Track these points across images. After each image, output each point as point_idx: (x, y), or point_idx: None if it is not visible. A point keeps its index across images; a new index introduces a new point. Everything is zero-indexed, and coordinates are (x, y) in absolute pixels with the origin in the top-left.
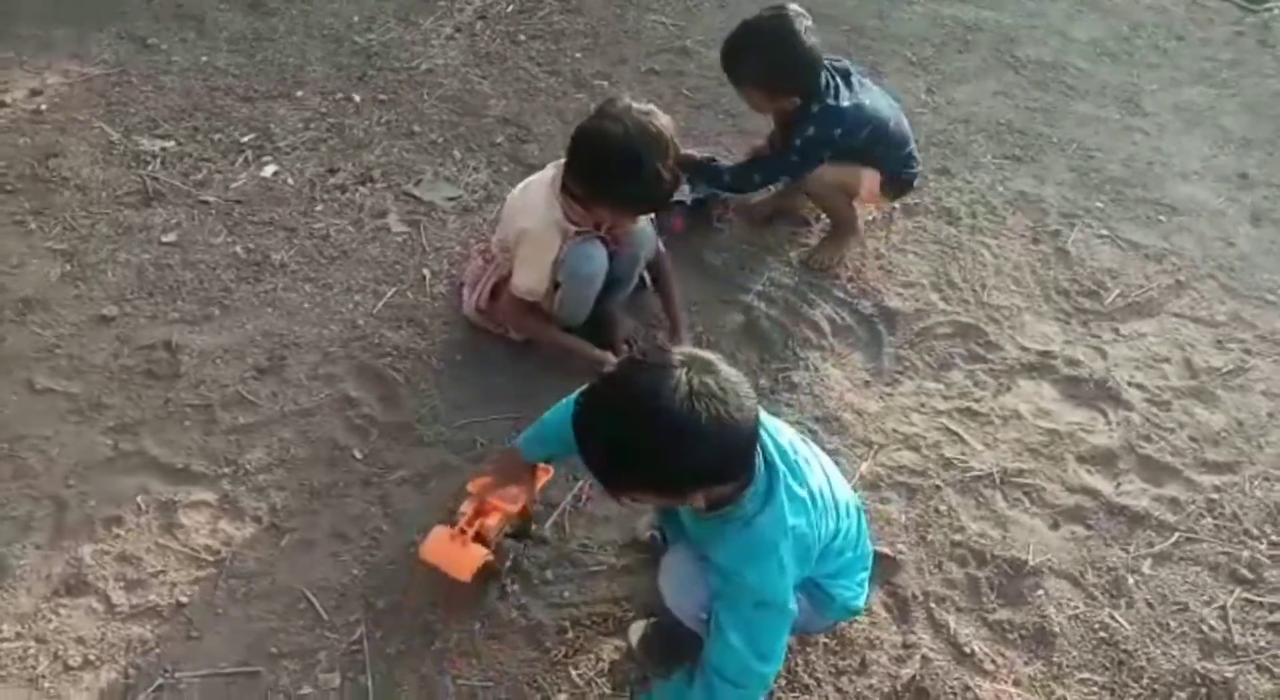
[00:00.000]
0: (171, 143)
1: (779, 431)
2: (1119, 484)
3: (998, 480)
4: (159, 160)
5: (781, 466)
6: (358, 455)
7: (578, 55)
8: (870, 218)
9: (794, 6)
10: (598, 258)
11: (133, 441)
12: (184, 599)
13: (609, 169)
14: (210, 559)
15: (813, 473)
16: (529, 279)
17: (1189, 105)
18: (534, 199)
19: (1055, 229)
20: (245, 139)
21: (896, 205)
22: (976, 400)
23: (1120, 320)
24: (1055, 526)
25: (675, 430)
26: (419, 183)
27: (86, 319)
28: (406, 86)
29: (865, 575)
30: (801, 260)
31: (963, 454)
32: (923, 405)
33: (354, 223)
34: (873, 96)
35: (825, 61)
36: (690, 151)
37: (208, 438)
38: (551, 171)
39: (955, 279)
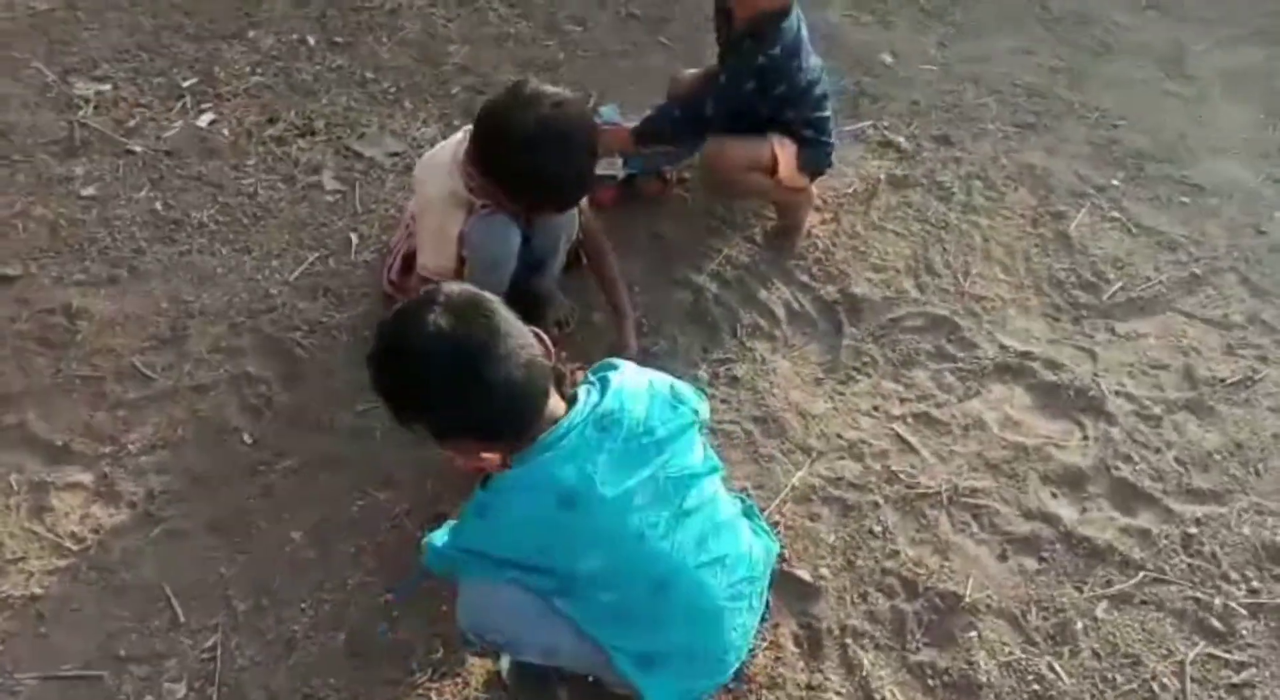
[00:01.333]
0: (109, 86)
1: (651, 423)
2: (1085, 510)
3: (945, 499)
4: (92, 105)
5: (577, 453)
6: (247, 439)
7: None
8: (849, 189)
9: None
10: (503, 235)
11: (15, 414)
12: (39, 591)
13: (508, 162)
14: (75, 548)
15: (631, 486)
16: (432, 255)
17: (1239, 69)
18: (438, 165)
19: (1060, 210)
20: (187, 83)
21: (881, 177)
22: (938, 405)
23: (1118, 318)
24: (1003, 557)
25: (413, 377)
26: (362, 136)
27: None
28: (365, 29)
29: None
30: (766, 237)
31: (911, 467)
32: (876, 408)
33: (285, 179)
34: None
35: None
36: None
37: (94, 413)
38: (461, 135)
39: (936, 264)
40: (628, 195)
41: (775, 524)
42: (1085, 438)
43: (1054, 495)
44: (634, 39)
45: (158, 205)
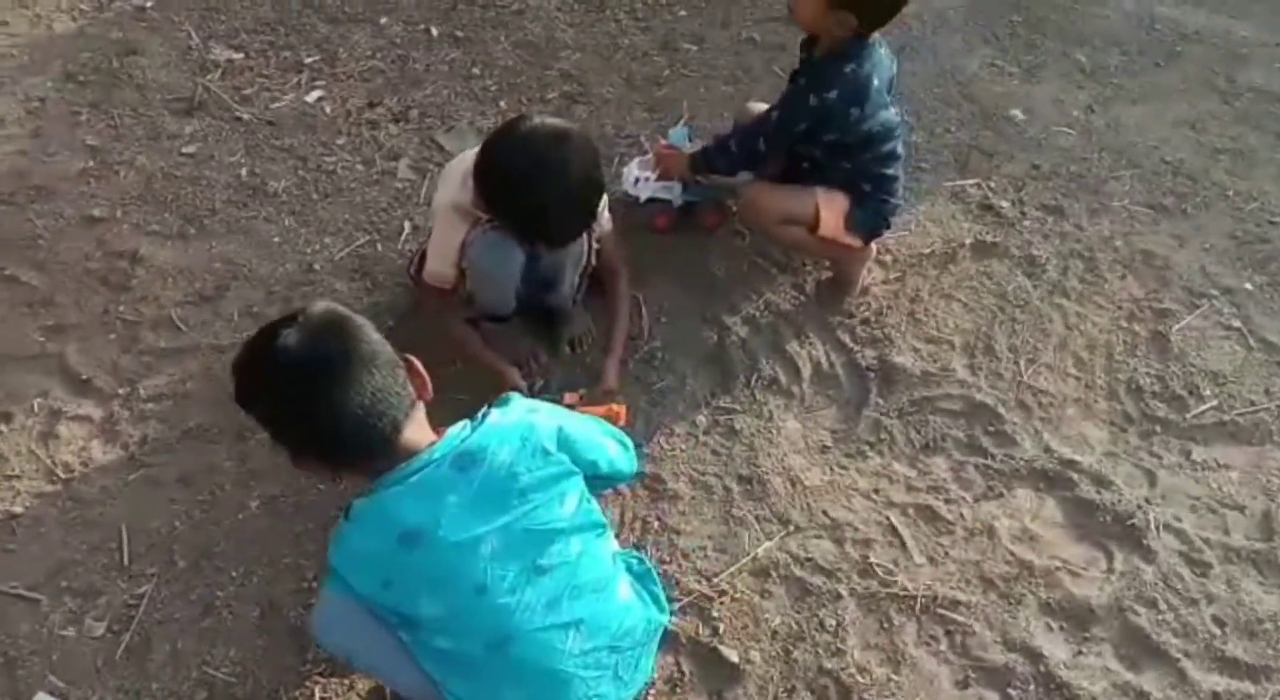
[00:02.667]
0: (241, 55)
1: (516, 469)
2: (1080, 652)
3: (920, 606)
4: (220, 71)
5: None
6: None
7: (681, 13)
8: (927, 249)
9: None
10: (502, 253)
11: (59, 343)
12: (19, 509)
13: (500, 200)
14: (63, 476)
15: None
16: (434, 261)
17: None
18: (454, 173)
19: (1167, 308)
20: (309, 60)
21: (968, 241)
22: (948, 501)
23: (1199, 442)
24: (964, 685)
25: (257, 392)
26: (450, 130)
27: (79, 217)
28: (488, 25)
29: None
30: (817, 286)
31: (893, 563)
32: (876, 491)
33: (365, 161)
34: (892, 93)
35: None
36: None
37: (123, 355)
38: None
39: (998, 345)
40: (684, 223)
41: (721, 593)
42: (1109, 570)
43: (1049, 628)
44: (746, 64)
45: (243, 171)
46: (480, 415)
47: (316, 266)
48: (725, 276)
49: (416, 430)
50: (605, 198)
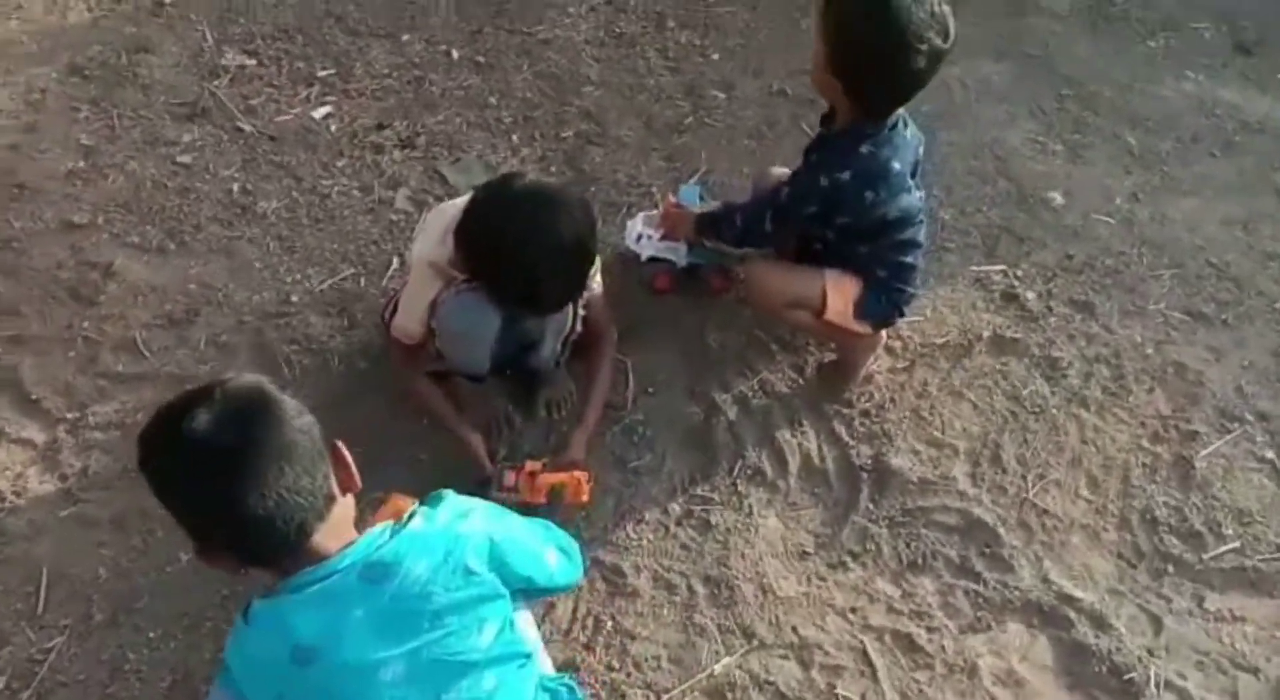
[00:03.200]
0: (254, 62)
1: (431, 588)
2: None
3: None
4: (230, 77)
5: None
6: None
7: (715, 57)
8: (942, 339)
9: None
10: (475, 316)
11: (16, 355)
12: None
13: (482, 264)
14: None
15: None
16: (403, 316)
17: None
18: (435, 226)
19: (1195, 430)
20: (323, 73)
21: (986, 334)
22: (930, 629)
23: (1216, 587)
24: None
25: (156, 472)
26: (457, 161)
27: (58, 222)
28: (511, 53)
29: None
30: (817, 370)
31: (862, 698)
32: (854, 610)
33: (363, 188)
34: (915, 176)
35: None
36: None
37: (78, 376)
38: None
39: (1006, 455)
40: (687, 285)
41: None
42: None
43: None
44: (773, 118)
45: (235, 187)
46: (406, 517)
47: (294, 297)
48: (721, 349)
49: (330, 532)
50: (597, 260)
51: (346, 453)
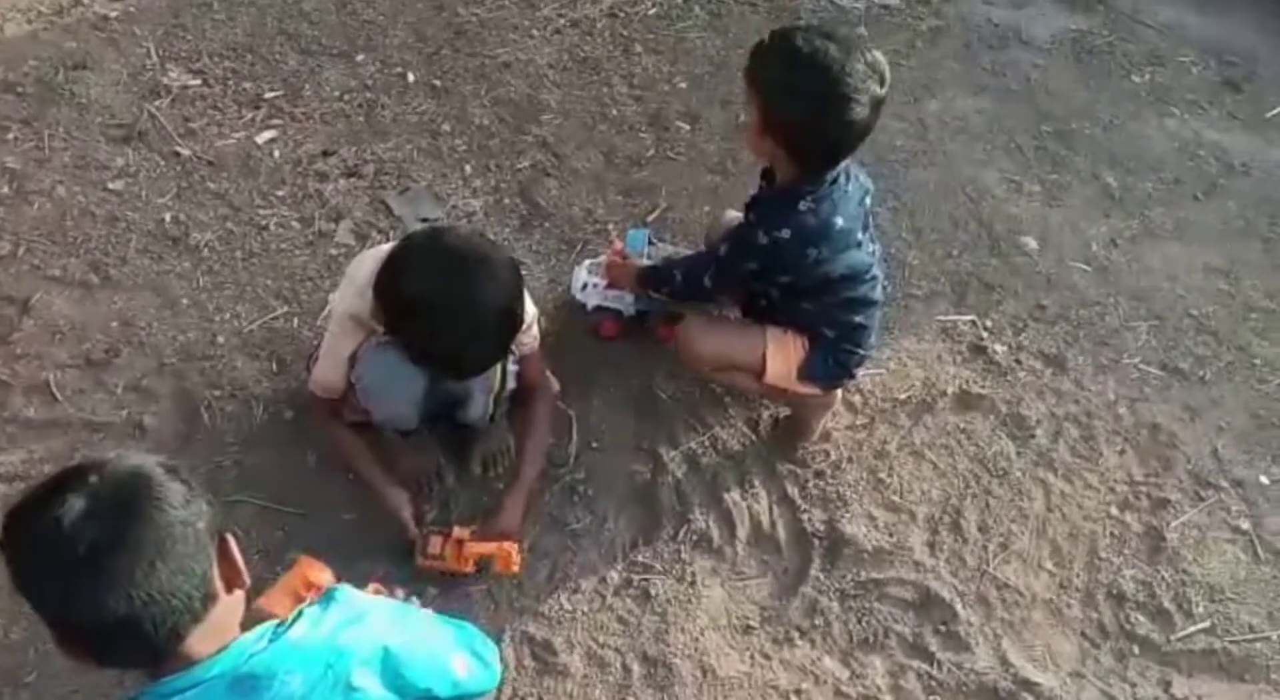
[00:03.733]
0: (198, 81)
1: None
2: None
3: None
4: (171, 97)
5: None
6: None
7: (682, 85)
8: (904, 394)
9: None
10: (394, 371)
11: None
12: None
13: (396, 320)
14: None
15: None
16: (322, 370)
17: None
18: (359, 274)
19: (1167, 497)
20: (270, 95)
21: (950, 390)
22: None
23: (1183, 671)
24: None
25: (16, 563)
26: (405, 191)
27: None
28: (469, 77)
29: None
30: (772, 426)
31: None
32: (798, 692)
33: (304, 220)
34: (864, 229)
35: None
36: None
37: None
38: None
39: (967, 523)
40: (636, 332)
41: None
42: None
43: None
44: (737, 153)
45: (167, 216)
46: (290, 619)
47: (220, 339)
48: (672, 400)
49: (206, 634)
50: (533, 312)
51: (235, 546)
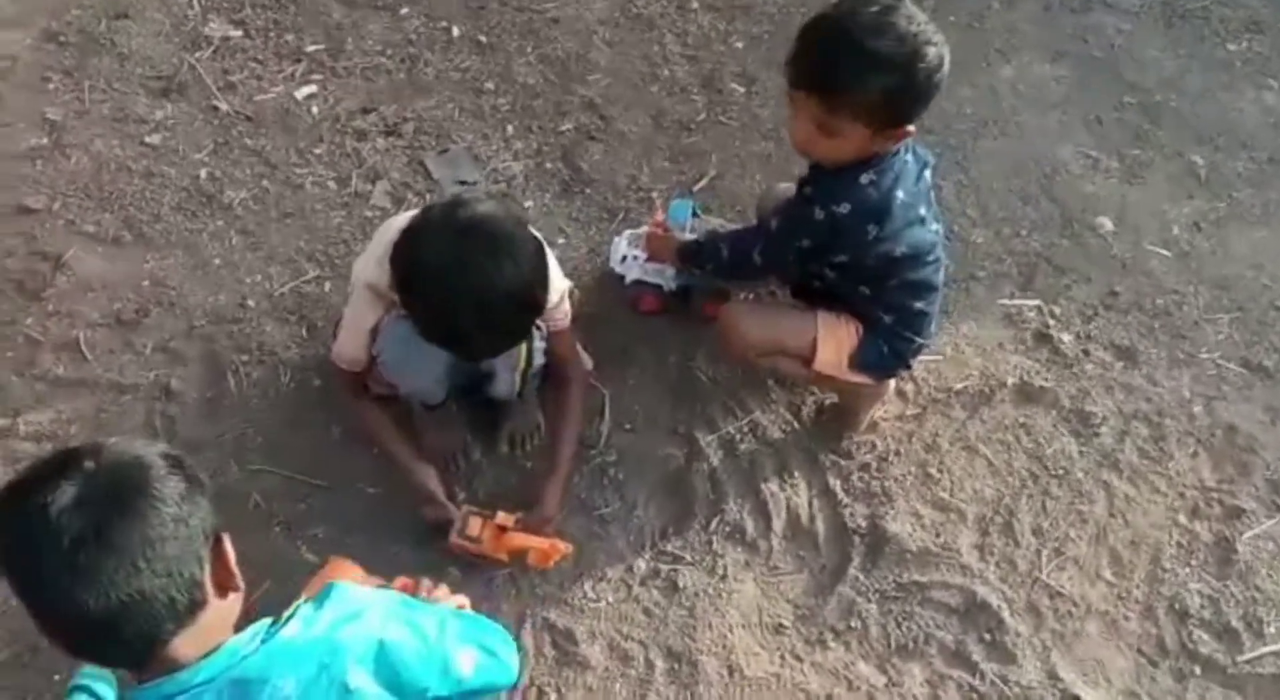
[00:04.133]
0: (239, 32)
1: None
2: None
3: None
4: (212, 48)
5: None
6: None
7: (738, 44)
8: (960, 384)
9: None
10: (413, 346)
11: None
12: None
13: (410, 297)
14: None
15: None
16: (343, 341)
17: None
18: (381, 241)
19: (1241, 506)
20: (311, 48)
21: (1010, 381)
22: None
23: (1250, 695)
24: None
25: (4, 546)
26: (444, 152)
27: (12, 206)
28: (516, 33)
29: None
30: (816, 413)
31: None
32: (831, 696)
33: (340, 179)
34: (926, 205)
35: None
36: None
37: (14, 378)
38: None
39: (1019, 525)
40: (678, 308)
41: None
42: None
43: None
44: None
45: (203, 172)
46: (284, 617)
47: (251, 302)
48: (711, 382)
49: (193, 638)
50: (565, 287)
51: (229, 548)
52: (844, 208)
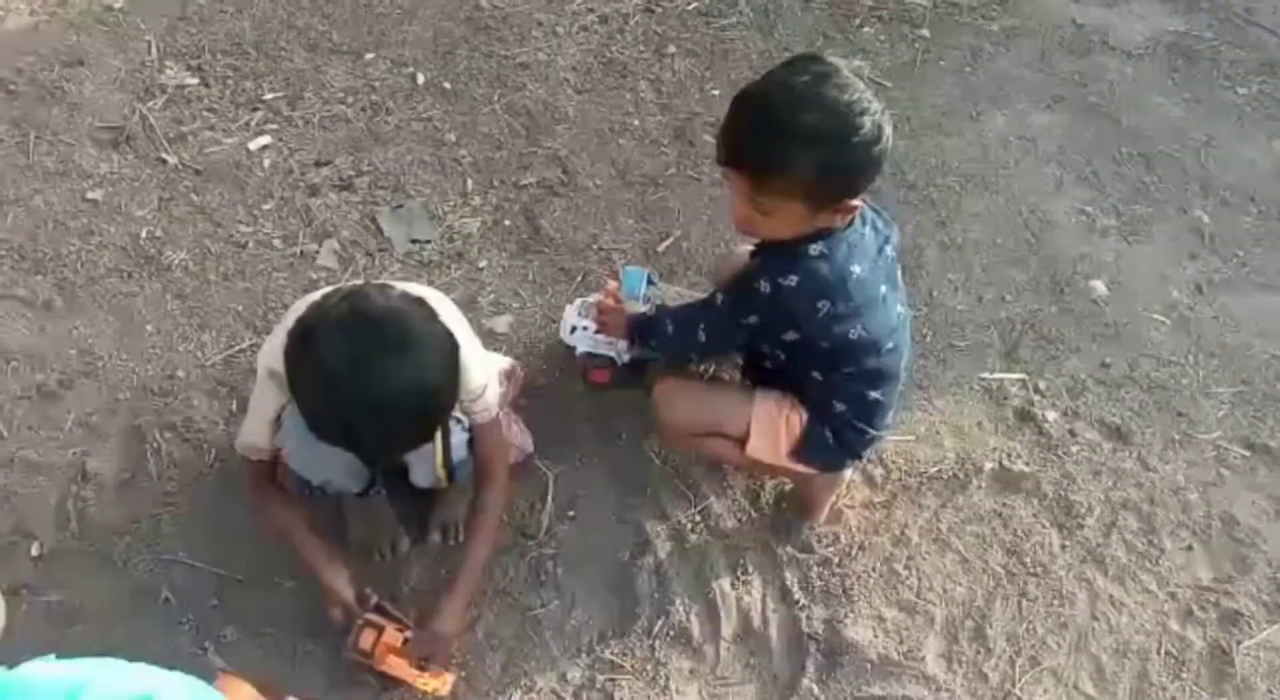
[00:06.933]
0: (196, 80)
1: None
2: None
3: None
4: (165, 97)
5: None
6: (33, 551)
7: (715, 92)
8: (932, 468)
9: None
10: (313, 441)
11: None
12: None
13: (293, 382)
14: None
15: None
16: (245, 430)
17: None
18: (285, 326)
19: (1240, 609)
20: (269, 96)
21: (988, 466)
22: None
23: None
24: None
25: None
26: (399, 208)
27: None
28: (483, 80)
29: None
30: (776, 501)
31: None
32: None
33: (286, 238)
34: (888, 283)
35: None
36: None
37: None
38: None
39: (992, 630)
40: (630, 382)
41: None
42: None
43: None
44: None
45: (144, 231)
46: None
47: (180, 373)
48: (664, 465)
49: None
50: (494, 374)
51: None
52: (790, 280)
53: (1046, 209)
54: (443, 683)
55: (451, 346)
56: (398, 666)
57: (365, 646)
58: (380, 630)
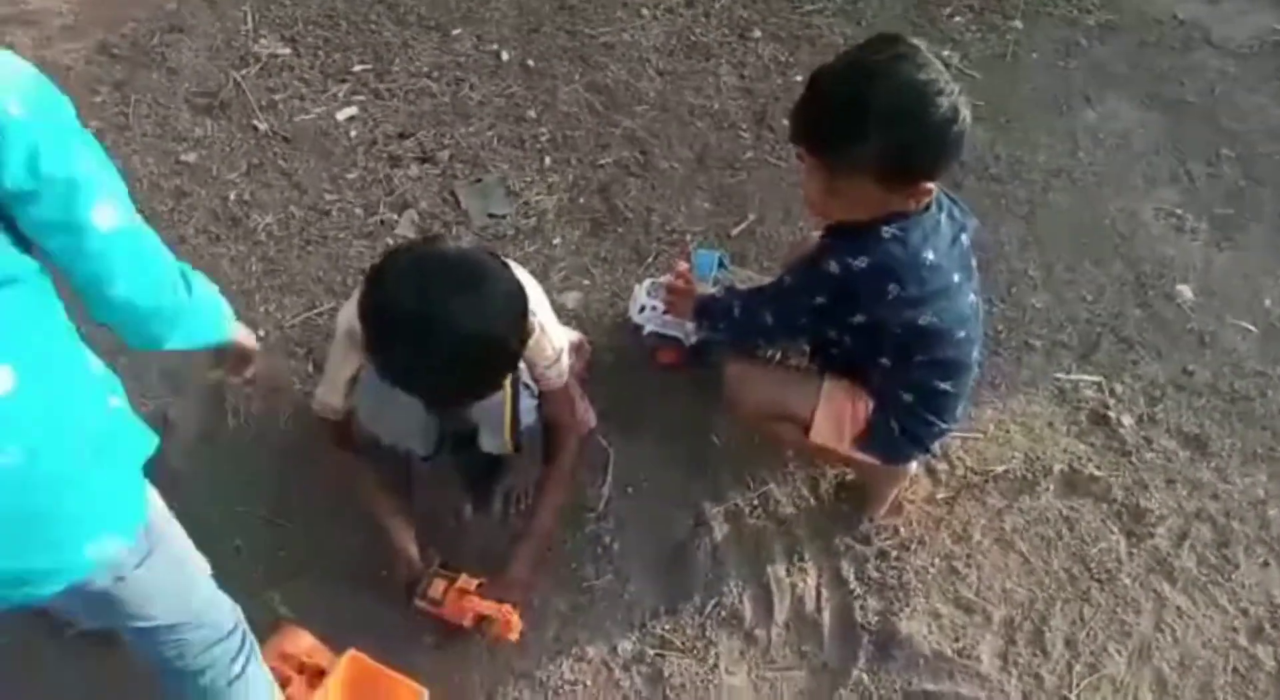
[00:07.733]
0: (288, 50)
1: None
2: None
3: None
4: (259, 66)
5: None
6: None
7: (797, 77)
8: (999, 467)
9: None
10: (387, 396)
11: None
12: None
13: (365, 324)
14: None
15: None
16: (322, 391)
17: None
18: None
19: None
20: (358, 68)
21: (1058, 468)
22: None
23: None
24: None
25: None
26: (477, 182)
27: None
28: (566, 58)
29: None
30: (837, 490)
31: None
32: None
33: (368, 207)
34: (962, 272)
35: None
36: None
37: None
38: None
39: (1052, 634)
40: (699, 363)
41: None
42: None
43: None
44: None
45: (232, 195)
46: None
47: (261, 332)
48: (725, 448)
49: None
50: (566, 343)
51: None
52: (861, 262)
53: (1135, 209)
54: (512, 627)
55: (521, 295)
56: (474, 602)
57: (435, 595)
58: (451, 580)
